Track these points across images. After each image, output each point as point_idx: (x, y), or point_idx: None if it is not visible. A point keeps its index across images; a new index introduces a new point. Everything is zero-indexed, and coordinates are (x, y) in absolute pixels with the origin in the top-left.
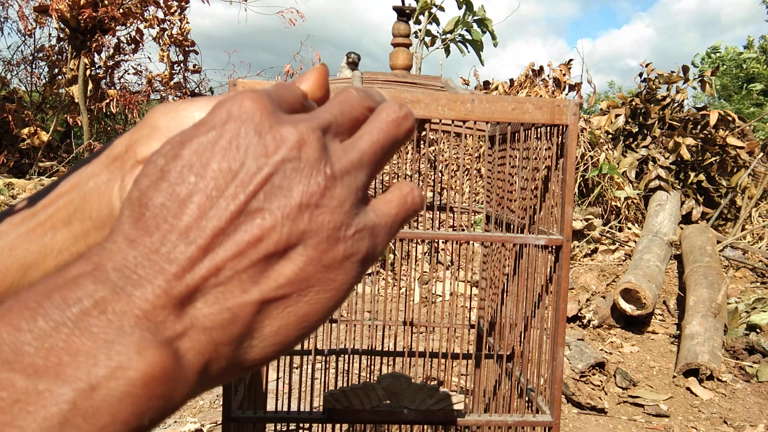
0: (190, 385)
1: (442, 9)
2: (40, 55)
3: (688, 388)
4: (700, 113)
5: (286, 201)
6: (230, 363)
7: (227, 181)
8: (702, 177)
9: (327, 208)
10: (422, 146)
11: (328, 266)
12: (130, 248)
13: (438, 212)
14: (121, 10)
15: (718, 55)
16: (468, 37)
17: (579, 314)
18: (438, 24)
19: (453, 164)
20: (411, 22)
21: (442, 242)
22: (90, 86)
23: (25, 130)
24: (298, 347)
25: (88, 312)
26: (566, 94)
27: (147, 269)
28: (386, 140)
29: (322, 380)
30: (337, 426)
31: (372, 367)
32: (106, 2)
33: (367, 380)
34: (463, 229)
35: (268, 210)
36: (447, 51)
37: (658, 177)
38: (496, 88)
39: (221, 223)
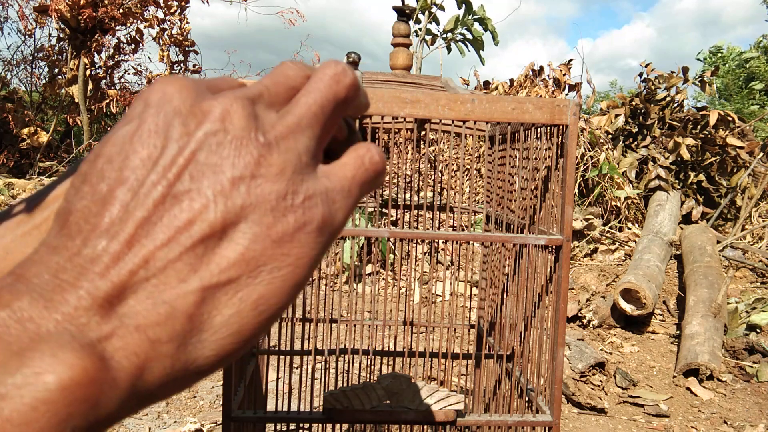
0: (123, 389)
1: (442, 8)
2: (40, 55)
3: (688, 388)
4: (700, 113)
5: (216, 177)
6: (179, 363)
7: (148, 169)
8: (702, 177)
9: (266, 177)
10: (422, 146)
11: (279, 240)
12: (53, 254)
13: (438, 212)
14: (121, 10)
15: (720, 54)
16: (468, 36)
17: (579, 314)
18: (438, 23)
19: (453, 164)
20: (411, 22)
21: (442, 242)
22: (90, 86)
23: (25, 130)
24: (298, 347)
25: (3, 323)
26: (566, 94)
27: (69, 272)
28: (325, 99)
29: (322, 380)
30: (337, 426)
31: (372, 367)
32: (106, 2)
33: (367, 380)
34: (463, 229)
35: (197, 190)
36: (449, 49)
37: (658, 177)
38: (496, 88)
39: (145, 213)
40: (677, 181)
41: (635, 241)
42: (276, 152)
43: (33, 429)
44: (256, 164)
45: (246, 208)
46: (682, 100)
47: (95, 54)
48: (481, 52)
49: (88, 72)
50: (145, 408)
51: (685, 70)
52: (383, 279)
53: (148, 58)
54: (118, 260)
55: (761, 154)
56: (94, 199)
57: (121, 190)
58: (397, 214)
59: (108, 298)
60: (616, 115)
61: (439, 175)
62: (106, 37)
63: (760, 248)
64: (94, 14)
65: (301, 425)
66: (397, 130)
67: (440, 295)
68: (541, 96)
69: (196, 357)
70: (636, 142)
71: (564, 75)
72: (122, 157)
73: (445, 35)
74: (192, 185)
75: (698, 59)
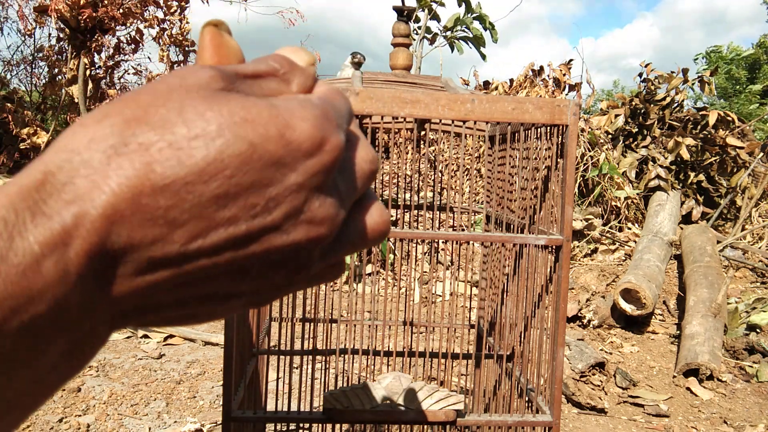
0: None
1: (442, 4)
2: (40, 55)
3: (688, 388)
4: (700, 113)
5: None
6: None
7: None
8: (702, 177)
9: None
10: (422, 146)
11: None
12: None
13: (438, 212)
14: (121, 10)
15: (719, 54)
16: (468, 34)
17: (579, 314)
18: (438, 20)
19: (453, 164)
20: (411, 21)
21: (442, 242)
22: (90, 86)
23: (25, 130)
24: (298, 347)
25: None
26: (566, 94)
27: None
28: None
29: (322, 380)
30: (337, 426)
31: (372, 367)
32: (106, 2)
33: (367, 380)
34: (463, 229)
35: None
36: (451, 46)
37: (658, 177)
38: (496, 88)
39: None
40: (677, 181)
41: (635, 241)
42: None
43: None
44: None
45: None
46: (682, 101)
47: (95, 54)
48: (481, 48)
49: (88, 72)
50: (137, 323)
51: (684, 70)
52: (383, 279)
53: (148, 58)
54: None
55: (761, 154)
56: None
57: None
58: (397, 214)
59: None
60: (616, 115)
61: (439, 175)
62: (106, 37)
63: (760, 248)
64: (94, 14)
65: (301, 425)
66: (397, 130)
67: (440, 295)
68: (540, 96)
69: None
70: (636, 142)
71: (564, 75)
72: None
73: (445, 33)
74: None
75: (695, 60)
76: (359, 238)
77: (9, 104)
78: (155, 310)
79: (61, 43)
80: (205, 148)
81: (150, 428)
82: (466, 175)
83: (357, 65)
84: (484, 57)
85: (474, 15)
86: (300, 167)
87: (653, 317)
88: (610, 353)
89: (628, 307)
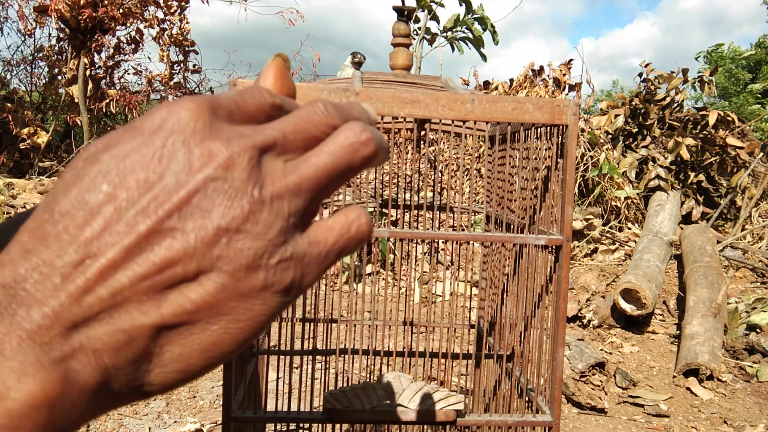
0: (78, 406)
1: (441, 5)
2: (40, 55)
3: (688, 388)
4: (700, 113)
5: (203, 223)
6: (126, 387)
7: (142, 195)
8: (702, 177)
9: (249, 233)
10: (422, 146)
11: (244, 295)
12: (23, 260)
13: (438, 212)
14: (121, 10)
15: (719, 53)
16: (469, 35)
17: (579, 314)
18: (438, 21)
19: (453, 164)
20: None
21: (442, 242)
22: (90, 86)
23: (25, 130)
24: (298, 347)
25: None
26: (566, 94)
27: (38, 285)
28: (336, 166)
29: (322, 380)
30: (337, 426)
31: (372, 367)
32: (106, 2)
33: (367, 380)
34: (463, 229)
35: (182, 231)
36: (452, 47)
37: (658, 177)
38: (496, 88)
39: (128, 241)
40: (677, 181)
41: (635, 241)
42: (266, 211)
43: None
44: (244, 219)
45: (221, 258)
46: (682, 100)
47: (95, 54)
48: (482, 49)
49: (88, 72)
50: (93, 418)
51: (684, 70)
52: (383, 279)
53: (148, 58)
54: (91, 286)
55: (761, 154)
56: (80, 207)
57: (110, 208)
58: (397, 214)
59: (74, 320)
60: (616, 115)
61: (439, 175)
62: (106, 37)
63: (760, 248)
64: (94, 14)
65: (301, 425)
66: (397, 130)
67: (440, 295)
68: (540, 96)
69: (142, 383)
70: (636, 142)
71: (564, 75)
72: (120, 174)
73: (445, 34)
74: (179, 224)
75: (696, 58)
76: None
77: (9, 104)
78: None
79: (61, 43)
80: None
81: (150, 428)
82: (466, 175)
83: (357, 65)
84: (484, 57)
85: (475, 16)
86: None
87: (653, 317)
88: (610, 353)
89: (628, 307)
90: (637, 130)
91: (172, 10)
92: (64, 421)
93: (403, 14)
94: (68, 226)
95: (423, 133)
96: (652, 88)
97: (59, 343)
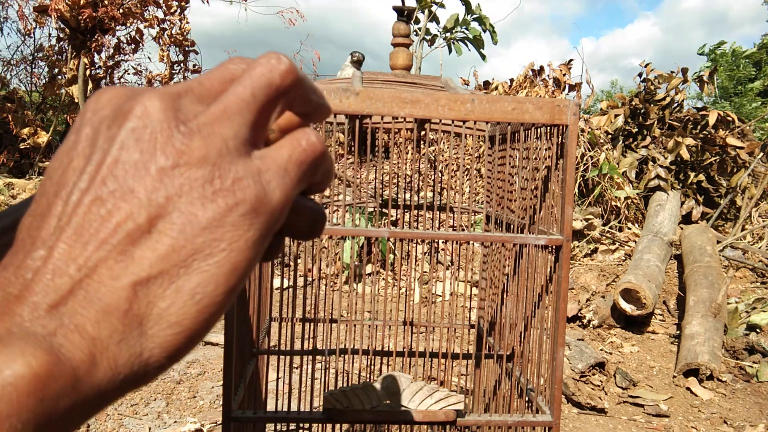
0: (73, 384)
1: (442, 6)
2: (40, 55)
3: (688, 388)
4: (700, 113)
5: (138, 173)
6: (122, 358)
7: (77, 178)
8: (702, 177)
9: (188, 164)
10: (422, 146)
11: (209, 226)
12: (2, 270)
13: (438, 212)
14: (121, 10)
15: (719, 52)
16: (468, 35)
17: (579, 314)
18: (438, 22)
19: (453, 164)
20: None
21: (442, 242)
22: (90, 86)
23: (25, 130)
24: (298, 347)
25: None
26: (566, 95)
27: (14, 285)
28: (257, 86)
29: (322, 380)
30: (337, 426)
31: (372, 367)
32: (106, 2)
33: (367, 380)
34: (463, 229)
35: (120, 189)
36: (450, 48)
37: (658, 177)
38: (496, 88)
39: (76, 220)
40: (677, 181)
41: (635, 241)
42: (198, 138)
43: None
44: (178, 153)
45: (171, 198)
46: (682, 100)
47: (95, 54)
48: (481, 49)
49: (88, 72)
50: (103, 408)
51: (684, 70)
52: (383, 279)
53: (148, 58)
54: (57, 270)
55: (761, 154)
56: (36, 214)
57: (56, 203)
58: (397, 214)
59: (51, 306)
60: (616, 115)
61: (439, 175)
62: (106, 37)
63: (760, 248)
64: (94, 14)
65: (301, 425)
66: (397, 130)
67: (440, 295)
68: (540, 96)
69: (140, 351)
70: (636, 142)
71: (564, 75)
72: (59, 173)
73: (445, 34)
74: (116, 185)
75: (699, 54)
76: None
77: (9, 104)
78: None
79: (61, 43)
80: None
81: (150, 428)
82: (466, 175)
83: (357, 63)
84: (484, 57)
85: (474, 16)
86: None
87: (653, 317)
88: (610, 353)
89: (628, 307)
90: (637, 130)
91: (172, 10)
92: (58, 399)
93: (403, 14)
94: (30, 232)
95: (423, 133)
96: (652, 88)
97: (42, 325)
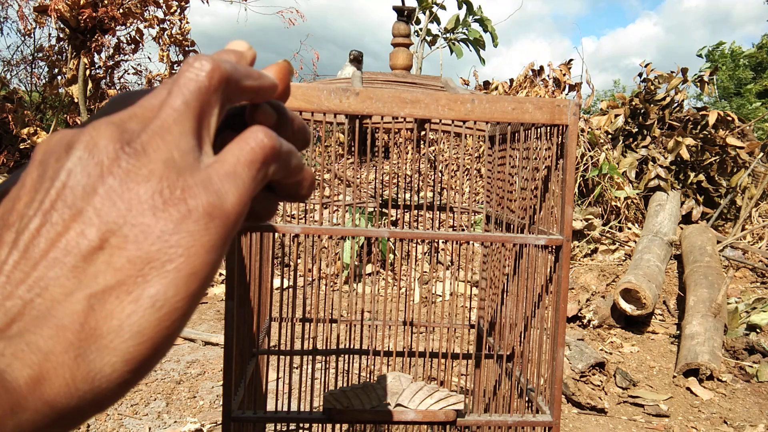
0: (22, 402)
1: (443, 7)
2: (40, 55)
3: (688, 388)
4: (700, 113)
5: (88, 197)
6: (80, 373)
7: (27, 208)
8: (702, 177)
9: (135, 181)
10: (422, 146)
11: (162, 234)
12: None
13: (438, 212)
14: (121, 10)
15: (718, 53)
16: (468, 37)
17: (579, 314)
18: (439, 23)
19: (453, 164)
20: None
21: (442, 242)
22: (90, 86)
23: (25, 130)
24: (298, 347)
25: None
26: (566, 95)
27: None
28: (188, 93)
29: (322, 380)
30: (337, 426)
31: (372, 367)
32: (106, 2)
33: (367, 380)
34: (463, 229)
35: (69, 213)
36: (450, 49)
37: (658, 177)
38: (496, 88)
39: (25, 244)
40: (677, 181)
41: (635, 241)
42: (143, 156)
43: None
44: (125, 173)
45: (121, 214)
46: (682, 100)
47: (95, 54)
48: (481, 52)
49: (87, 72)
50: (73, 429)
51: (684, 70)
52: (383, 279)
53: (148, 58)
54: (6, 294)
55: (761, 154)
56: None
57: (8, 233)
58: (397, 214)
59: (0, 329)
60: (616, 115)
61: (439, 175)
62: (106, 37)
63: (760, 248)
64: (94, 14)
65: (301, 425)
66: (397, 130)
67: (440, 295)
68: (540, 96)
69: (101, 365)
70: (636, 142)
71: (564, 75)
72: (10, 205)
73: (445, 35)
74: (65, 208)
75: (698, 56)
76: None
77: (9, 104)
78: None
79: (61, 43)
80: None
81: (150, 428)
82: (466, 175)
83: (356, 62)
84: (483, 61)
85: (475, 17)
86: None
87: (653, 317)
88: (610, 353)
89: (628, 307)
90: (637, 130)
91: (172, 10)
92: (7, 420)
93: (403, 14)
94: None
95: (423, 133)
96: (652, 88)
97: None
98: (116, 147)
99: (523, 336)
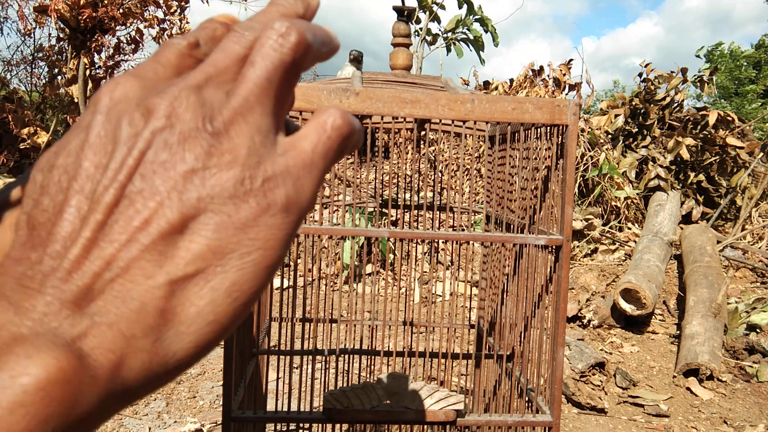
0: (102, 386)
1: (443, 7)
2: (40, 55)
3: (688, 388)
4: (700, 113)
5: (167, 174)
6: (157, 357)
7: (100, 175)
8: (702, 177)
9: (218, 166)
10: (422, 146)
11: (243, 227)
12: (17, 265)
13: (438, 212)
14: (121, 10)
15: (717, 54)
16: (469, 36)
17: (579, 314)
18: (439, 22)
19: (453, 164)
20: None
21: (442, 242)
22: (90, 86)
23: (25, 130)
24: (298, 347)
25: None
26: (566, 94)
27: (33, 280)
28: (271, 68)
29: (322, 380)
30: (337, 426)
31: (372, 367)
32: (106, 2)
33: (367, 380)
34: (463, 229)
35: (149, 189)
36: (448, 49)
37: (658, 177)
38: (496, 88)
39: (100, 217)
40: (677, 181)
41: (635, 241)
42: (225, 139)
43: (13, 431)
44: (207, 155)
45: (203, 199)
46: (682, 100)
47: (95, 54)
48: (481, 52)
49: (88, 72)
50: (128, 405)
51: (684, 70)
52: (383, 279)
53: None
54: (79, 265)
55: (761, 154)
56: (53, 210)
57: (77, 198)
58: (397, 214)
59: (75, 300)
60: (616, 115)
61: (439, 175)
62: (106, 37)
63: (760, 248)
64: (94, 14)
65: (301, 425)
66: (397, 130)
67: (440, 295)
68: (540, 96)
69: (175, 349)
70: (636, 142)
71: (564, 75)
72: (76, 167)
73: (446, 35)
74: (144, 185)
75: (697, 56)
76: None
77: (9, 104)
78: None
79: (61, 43)
80: None
81: (150, 428)
82: (466, 175)
83: (355, 62)
84: (483, 62)
85: (475, 17)
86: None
87: (653, 317)
88: (610, 353)
89: (628, 307)
90: (637, 130)
91: (172, 10)
92: (83, 401)
93: (403, 14)
94: (47, 227)
95: (423, 133)
96: (652, 88)
97: (70, 325)
98: (198, 124)
99: (523, 336)
